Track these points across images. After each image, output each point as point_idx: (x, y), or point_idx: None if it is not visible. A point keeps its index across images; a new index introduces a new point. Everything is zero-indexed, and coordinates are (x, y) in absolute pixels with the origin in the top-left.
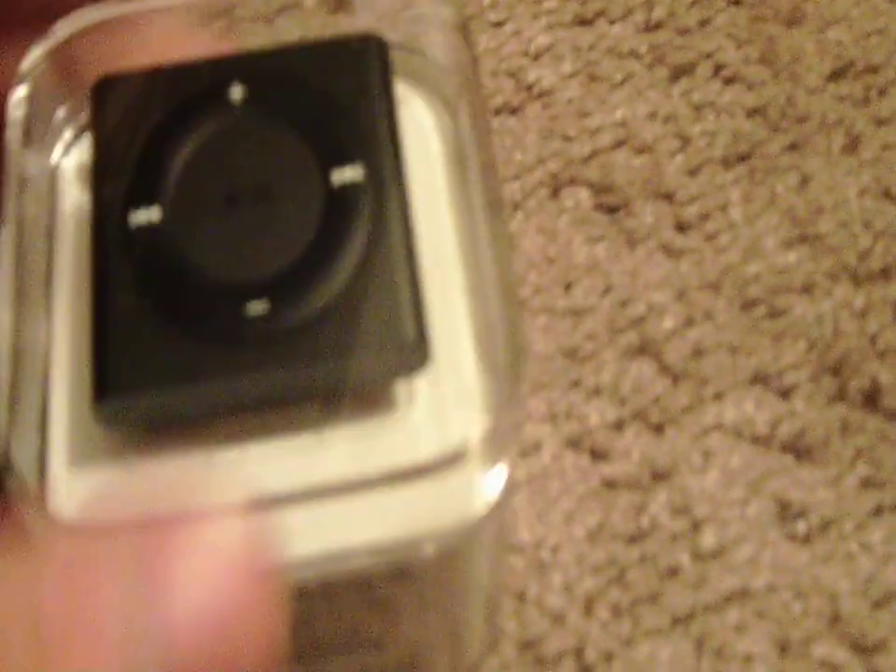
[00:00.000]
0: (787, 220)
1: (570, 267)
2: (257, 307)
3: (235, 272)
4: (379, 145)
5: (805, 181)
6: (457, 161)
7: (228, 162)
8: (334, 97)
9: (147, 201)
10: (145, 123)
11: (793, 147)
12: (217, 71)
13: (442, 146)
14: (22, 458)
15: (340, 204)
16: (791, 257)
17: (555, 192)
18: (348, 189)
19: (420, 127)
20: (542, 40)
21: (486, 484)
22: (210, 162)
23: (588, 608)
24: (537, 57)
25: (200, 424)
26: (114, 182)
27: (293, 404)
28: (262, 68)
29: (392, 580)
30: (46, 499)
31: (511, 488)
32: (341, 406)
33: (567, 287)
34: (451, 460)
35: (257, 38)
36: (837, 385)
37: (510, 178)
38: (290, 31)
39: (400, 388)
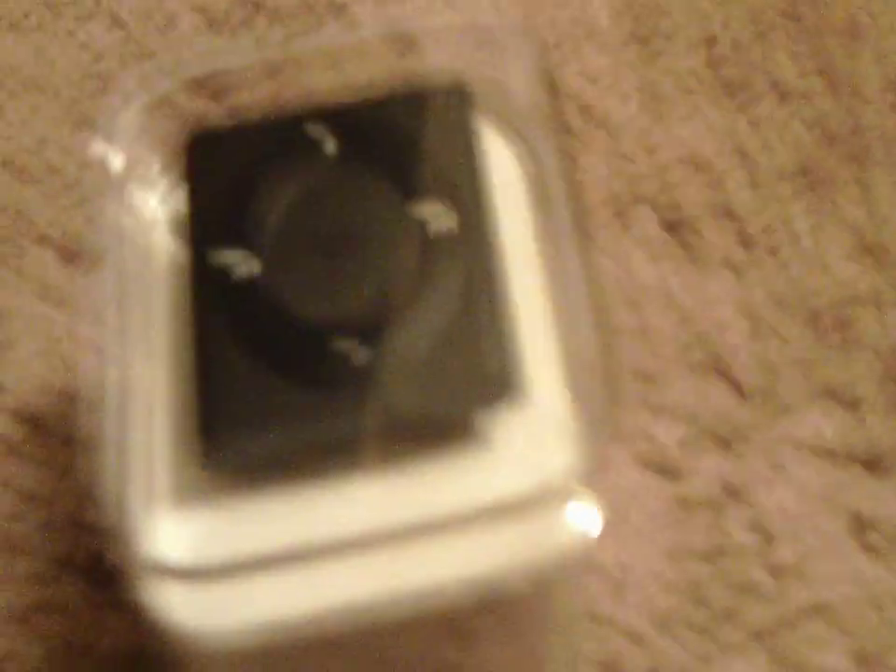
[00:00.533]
0: (850, 232)
1: (636, 287)
2: (349, 348)
3: (328, 315)
4: (465, 186)
5: (866, 192)
6: (541, 195)
7: (319, 210)
8: (421, 145)
9: (242, 247)
10: (238, 174)
11: (854, 158)
12: (306, 121)
13: (525, 180)
14: (128, 503)
15: (428, 246)
16: (856, 268)
17: (618, 212)
18: (437, 231)
19: (503, 164)
20: (599, 61)
21: (578, 520)
22: (302, 210)
23: (665, 626)
24: (594, 78)
25: (296, 463)
26: (208, 231)
27: (385, 441)
28: (347, 115)
29: (478, 613)
30: (145, 543)
31: (602, 522)
32: (433, 442)
33: (634, 306)
34: (542, 497)
35: (324, 82)
36: None
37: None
38: (358, 73)
39: (492, 423)
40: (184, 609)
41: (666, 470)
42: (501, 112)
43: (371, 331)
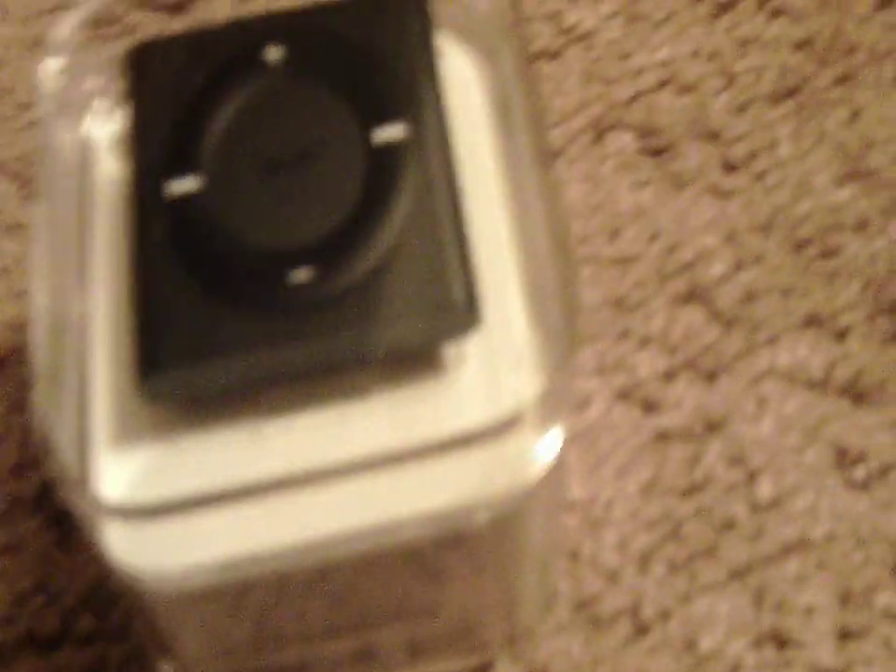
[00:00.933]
0: (838, 156)
1: (616, 214)
2: (301, 275)
3: (278, 239)
4: (421, 101)
5: (855, 115)
6: (502, 112)
7: (267, 126)
8: (374, 54)
9: (186, 169)
10: (181, 89)
11: (843, 80)
12: (252, 32)
13: (485, 97)
14: (63, 439)
15: (382, 164)
16: (843, 194)
17: (598, 137)
18: (390, 149)
19: (462, 79)
20: None
21: (541, 449)
22: (249, 127)
23: (643, 564)
24: None
25: (245, 395)
26: (151, 151)
27: (339, 372)
28: (299, 27)
29: (444, 548)
30: (88, 481)
31: (565, 451)
32: (389, 372)
33: (613, 234)
34: (504, 426)
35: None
36: (894, 325)
37: (550, 125)
38: None
39: (450, 352)
40: (130, 548)
41: (646, 403)
42: (462, 23)
43: (320, 255)
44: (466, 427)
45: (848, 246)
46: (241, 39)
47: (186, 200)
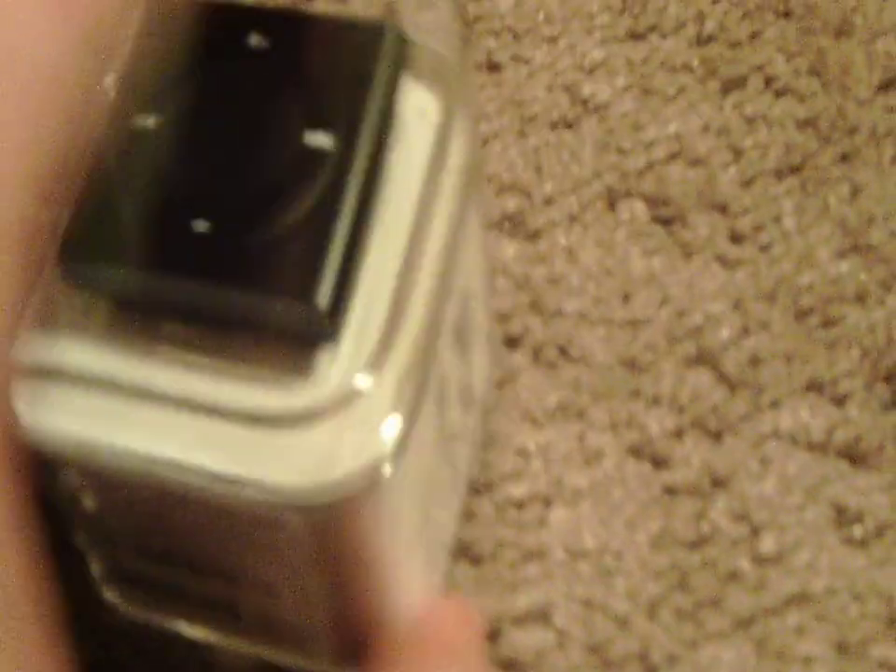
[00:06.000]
0: (839, 231)
1: (628, 279)
2: (201, 225)
3: (197, 189)
4: (362, 123)
5: (856, 192)
6: (439, 161)
7: (227, 99)
8: (338, 70)
9: (150, 111)
10: (170, 48)
11: (844, 158)
12: (244, 18)
13: (430, 142)
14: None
15: (305, 164)
16: (844, 266)
17: (612, 205)
18: (317, 153)
19: (413, 119)
20: (596, 55)
21: (379, 439)
22: (212, 94)
23: (652, 612)
24: (591, 71)
25: (146, 314)
26: (130, 90)
27: (212, 325)
28: (283, 26)
29: (260, 525)
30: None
31: (402, 450)
32: (248, 340)
33: (625, 298)
34: (342, 409)
35: None
36: (891, 392)
37: (567, 192)
38: None
39: (305, 344)
40: (29, 406)
41: (656, 460)
42: (432, 70)
43: (223, 214)
44: (307, 407)
45: (849, 317)
46: (233, 21)
47: (142, 134)
